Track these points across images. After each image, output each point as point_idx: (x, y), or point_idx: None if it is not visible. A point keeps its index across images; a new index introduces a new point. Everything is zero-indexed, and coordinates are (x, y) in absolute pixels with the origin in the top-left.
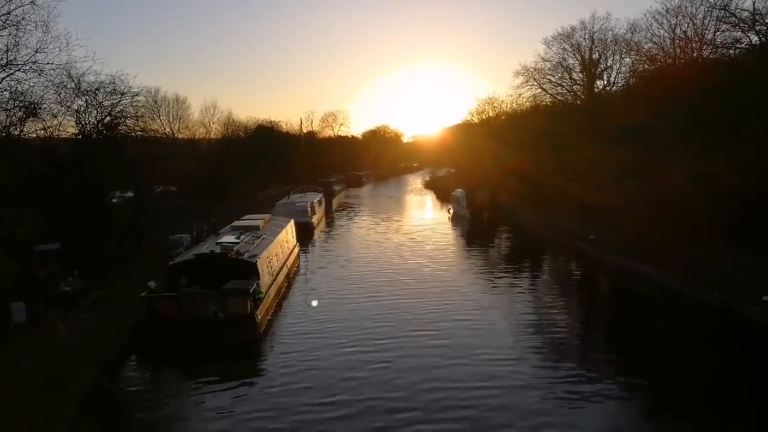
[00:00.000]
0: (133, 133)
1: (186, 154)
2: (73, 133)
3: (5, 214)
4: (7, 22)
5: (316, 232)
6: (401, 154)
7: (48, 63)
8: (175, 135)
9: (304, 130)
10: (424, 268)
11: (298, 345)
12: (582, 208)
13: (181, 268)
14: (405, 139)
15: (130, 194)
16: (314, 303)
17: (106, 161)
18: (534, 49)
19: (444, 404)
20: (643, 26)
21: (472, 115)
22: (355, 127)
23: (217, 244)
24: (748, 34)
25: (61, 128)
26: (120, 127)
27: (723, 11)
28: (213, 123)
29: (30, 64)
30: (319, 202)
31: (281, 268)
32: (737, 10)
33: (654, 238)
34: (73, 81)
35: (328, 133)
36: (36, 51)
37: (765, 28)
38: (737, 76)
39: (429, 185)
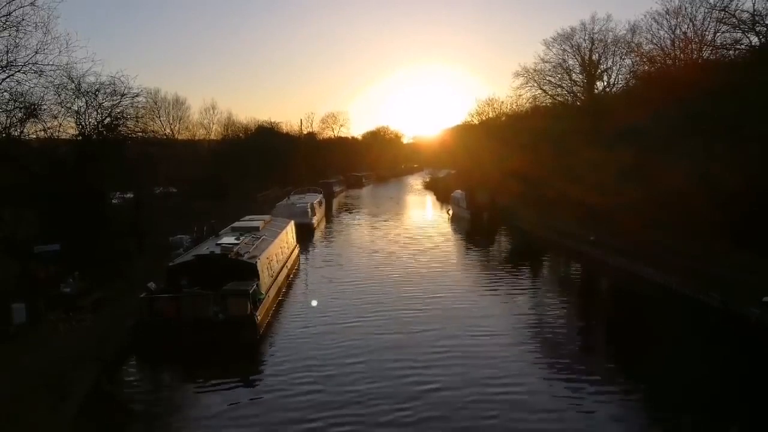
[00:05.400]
0: (133, 134)
1: (186, 154)
2: (73, 134)
3: (5, 214)
4: (7, 23)
5: (317, 233)
6: (401, 155)
7: (48, 64)
8: (175, 136)
9: (304, 131)
10: (424, 269)
11: (298, 346)
12: (582, 209)
13: (181, 269)
14: (405, 140)
15: (130, 195)
16: (314, 303)
17: (107, 162)
18: (534, 51)
19: (445, 410)
20: (644, 27)
21: (472, 116)
22: (356, 128)
23: (217, 245)
24: (748, 35)
25: (61, 129)
26: (120, 128)
27: (723, 12)
28: (213, 124)
29: (30, 65)
30: (320, 203)
31: (281, 269)
32: (737, 11)
33: (654, 238)
34: (73, 82)
35: (329, 134)
36: (36, 52)
37: (765, 29)
38: (737, 77)
39: (429, 186)
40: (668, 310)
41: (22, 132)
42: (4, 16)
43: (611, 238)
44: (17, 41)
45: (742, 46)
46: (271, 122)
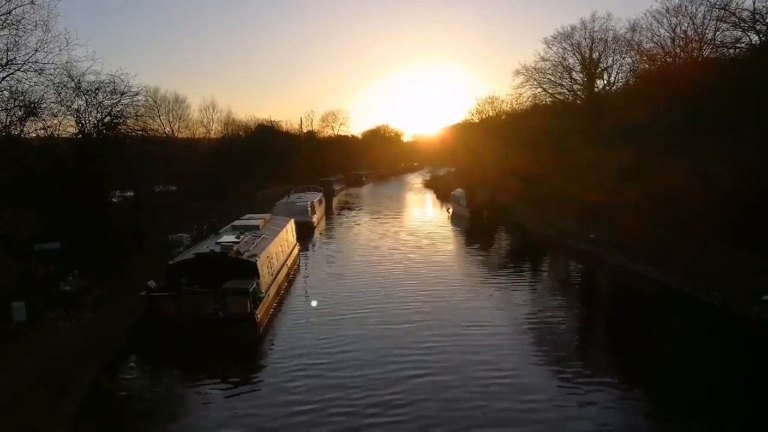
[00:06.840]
0: (132, 133)
1: (186, 153)
2: (73, 133)
3: (5, 213)
4: (7, 21)
5: (317, 232)
6: (401, 153)
7: (48, 62)
8: (175, 134)
9: (304, 130)
10: (424, 268)
11: (298, 344)
12: (582, 207)
13: (181, 267)
14: (405, 139)
15: (130, 194)
16: (314, 303)
17: (106, 161)
18: (534, 49)
19: (443, 407)
20: (644, 26)
21: (473, 115)
22: (356, 127)
23: (217, 243)
24: (748, 33)
25: (61, 128)
26: (120, 127)
27: (723, 11)
28: (213, 122)
29: (30, 64)
30: (320, 201)
31: (281, 267)
32: (737, 10)
33: (654, 237)
34: (73, 80)
35: (328, 132)
36: (36, 50)
37: (765, 27)
38: (737, 76)
39: (429, 184)
40: (668, 309)
41: (22, 131)
42: (3, 14)
43: (611, 237)
44: (17, 39)
45: (742, 45)
46: (271, 121)
